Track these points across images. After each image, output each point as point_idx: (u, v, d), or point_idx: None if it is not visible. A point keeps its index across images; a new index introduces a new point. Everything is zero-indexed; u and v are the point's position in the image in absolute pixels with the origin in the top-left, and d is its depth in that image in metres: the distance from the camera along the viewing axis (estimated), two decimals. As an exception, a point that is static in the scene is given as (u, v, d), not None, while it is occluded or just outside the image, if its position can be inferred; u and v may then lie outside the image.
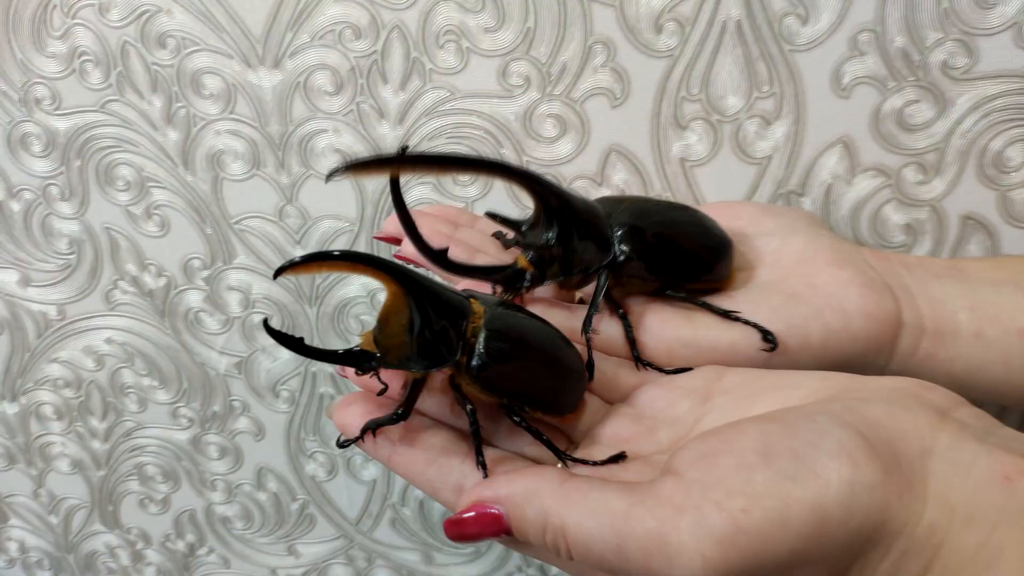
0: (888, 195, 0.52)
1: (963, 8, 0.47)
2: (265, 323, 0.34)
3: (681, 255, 0.41)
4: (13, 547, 0.74)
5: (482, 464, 0.34)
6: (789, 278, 0.41)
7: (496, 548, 0.66)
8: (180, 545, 0.71)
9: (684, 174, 0.53)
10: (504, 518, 0.31)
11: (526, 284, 0.39)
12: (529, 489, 0.31)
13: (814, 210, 0.53)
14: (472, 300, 0.36)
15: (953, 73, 0.48)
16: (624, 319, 0.39)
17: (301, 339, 0.34)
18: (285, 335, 0.34)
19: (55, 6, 0.52)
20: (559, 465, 0.35)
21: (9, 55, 0.54)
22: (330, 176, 0.31)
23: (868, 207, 0.53)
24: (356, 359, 0.34)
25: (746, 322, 0.39)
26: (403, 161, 0.32)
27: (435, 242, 0.36)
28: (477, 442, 0.34)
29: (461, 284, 0.41)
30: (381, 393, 0.36)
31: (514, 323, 0.36)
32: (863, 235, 0.53)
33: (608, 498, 0.30)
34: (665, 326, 0.40)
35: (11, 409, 0.67)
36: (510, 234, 0.42)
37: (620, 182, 0.53)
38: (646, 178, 0.53)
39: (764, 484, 0.28)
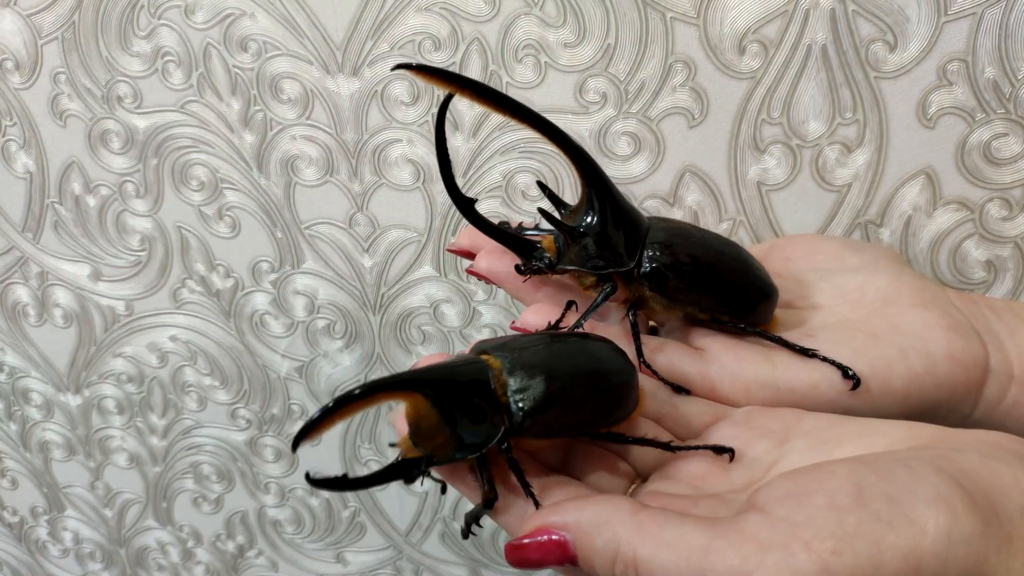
0: (970, 229, 0.51)
1: (1061, 40, 0.46)
2: (307, 476, 0.32)
3: (713, 283, 0.39)
4: (68, 537, 0.75)
5: (531, 495, 0.33)
6: (872, 317, 0.39)
7: (546, 570, 0.65)
8: (230, 546, 0.72)
9: (760, 198, 0.52)
10: (571, 545, 0.30)
11: (541, 263, 0.39)
12: (600, 517, 0.30)
13: (892, 242, 0.52)
14: (485, 356, 0.34)
15: (1047, 107, 0.47)
16: (634, 325, 0.38)
17: (345, 475, 0.32)
18: (329, 480, 0.32)
19: (142, 6, 0.53)
20: (638, 487, 0.34)
21: (95, 52, 0.55)
22: (396, 68, 0.33)
23: (948, 241, 0.51)
24: (402, 470, 0.33)
25: (824, 359, 0.37)
26: (467, 84, 0.34)
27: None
28: (520, 479, 0.33)
29: (478, 252, 0.41)
30: (444, 491, 0.37)
31: (535, 360, 0.34)
32: (942, 269, 0.52)
33: (686, 531, 0.28)
34: (742, 364, 0.38)
35: (74, 401, 0.68)
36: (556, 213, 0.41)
37: (693, 203, 0.53)
38: (720, 200, 0.52)
39: (856, 526, 0.27)
